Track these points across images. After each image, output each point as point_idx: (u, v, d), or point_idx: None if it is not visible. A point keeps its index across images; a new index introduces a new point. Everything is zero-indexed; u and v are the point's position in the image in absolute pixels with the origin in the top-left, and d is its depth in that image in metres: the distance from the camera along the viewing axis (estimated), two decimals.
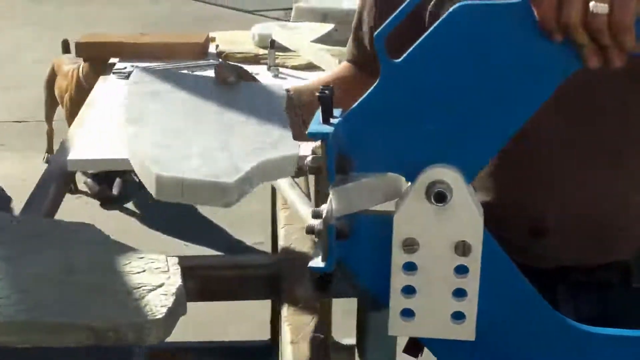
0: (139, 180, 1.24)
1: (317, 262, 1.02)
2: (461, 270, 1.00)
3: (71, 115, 3.94)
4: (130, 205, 4.63)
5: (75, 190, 4.64)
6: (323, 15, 2.33)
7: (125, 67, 2.55)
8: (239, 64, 2.33)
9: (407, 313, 1.03)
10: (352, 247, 1.02)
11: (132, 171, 1.39)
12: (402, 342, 1.41)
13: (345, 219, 1.01)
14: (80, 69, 4.02)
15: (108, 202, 4.61)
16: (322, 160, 0.98)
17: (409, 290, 1.02)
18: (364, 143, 1.00)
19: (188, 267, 1.27)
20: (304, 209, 1.45)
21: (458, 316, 1.02)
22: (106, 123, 2.06)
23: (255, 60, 2.68)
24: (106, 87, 2.44)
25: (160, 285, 1.20)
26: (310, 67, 2.53)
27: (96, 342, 1.11)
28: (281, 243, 1.41)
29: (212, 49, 2.85)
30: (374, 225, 1.02)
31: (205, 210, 4.38)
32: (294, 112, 1.40)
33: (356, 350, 1.14)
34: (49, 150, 5.01)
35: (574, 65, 0.96)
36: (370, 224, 1.02)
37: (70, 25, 7.36)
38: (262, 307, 2.48)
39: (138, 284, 1.20)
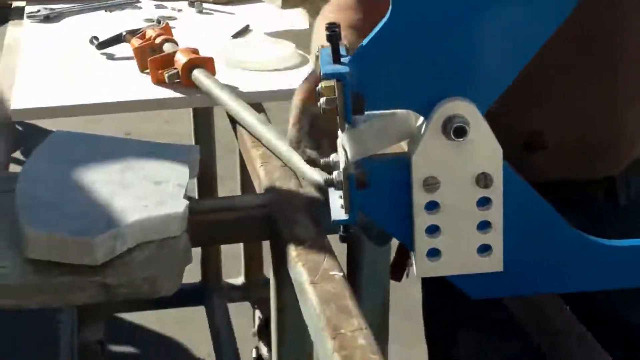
0: None
1: (340, 215, 0.98)
2: (484, 202, 0.99)
3: None
4: None
5: None
6: None
7: (39, 10, 2.43)
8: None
9: (433, 253, 1.01)
10: (370, 195, 0.98)
11: None
12: None
13: (361, 166, 0.97)
14: None
15: None
16: (337, 101, 0.93)
17: (433, 230, 1.00)
18: (376, 80, 0.96)
19: None
20: (282, 146, 1.38)
21: (484, 249, 1.01)
22: (38, 70, 1.96)
23: None
24: (20, 32, 2.30)
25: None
26: (232, 0, 2.46)
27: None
28: (264, 183, 1.35)
29: None
30: (390, 168, 0.98)
31: None
32: None
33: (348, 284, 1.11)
34: None
35: None
36: (386, 168, 0.99)
37: None
38: None
39: None
